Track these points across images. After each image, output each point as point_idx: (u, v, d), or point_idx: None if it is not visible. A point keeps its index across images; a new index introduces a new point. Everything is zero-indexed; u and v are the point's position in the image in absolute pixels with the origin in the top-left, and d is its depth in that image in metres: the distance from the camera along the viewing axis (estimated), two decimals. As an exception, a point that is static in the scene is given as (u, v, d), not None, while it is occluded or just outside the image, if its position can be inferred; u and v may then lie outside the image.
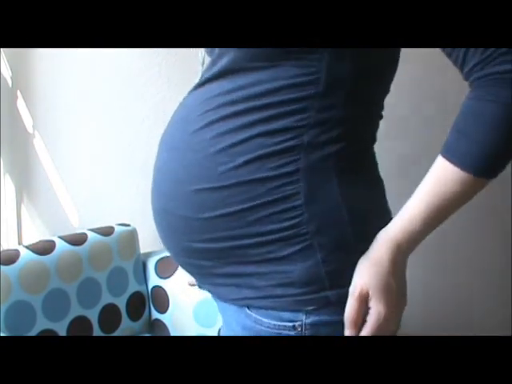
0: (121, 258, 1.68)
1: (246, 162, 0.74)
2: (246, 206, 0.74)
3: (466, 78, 0.71)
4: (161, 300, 1.72)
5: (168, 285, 1.70)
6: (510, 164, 0.70)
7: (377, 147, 0.85)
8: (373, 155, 0.84)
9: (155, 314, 1.74)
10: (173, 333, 1.69)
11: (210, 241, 0.78)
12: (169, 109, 0.89)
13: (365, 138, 0.81)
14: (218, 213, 0.76)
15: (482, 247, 2.05)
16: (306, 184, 0.74)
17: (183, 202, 0.79)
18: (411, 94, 1.82)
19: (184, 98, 0.86)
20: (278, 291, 0.76)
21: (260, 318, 0.78)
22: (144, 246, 1.77)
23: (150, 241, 1.60)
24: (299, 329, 0.76)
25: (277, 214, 0.74)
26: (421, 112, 1.88)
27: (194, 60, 1.00)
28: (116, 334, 1.66)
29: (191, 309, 1.62)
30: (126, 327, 1.69)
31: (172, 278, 1.69)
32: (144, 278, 1.76)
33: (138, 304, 1.73)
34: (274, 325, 0.77)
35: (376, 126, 0.84)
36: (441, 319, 2.04)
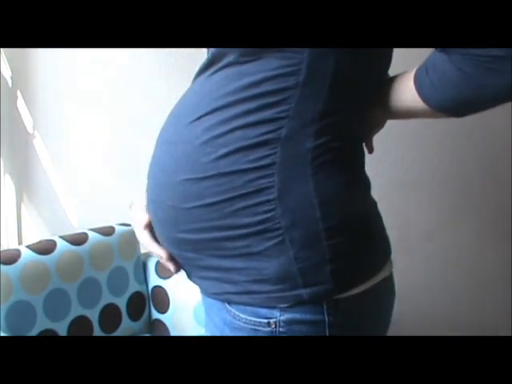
0: (121, 258, 1.69)
1: (227, 154, 0.74)
2: (223, 197, 0.75)
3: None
4: (161, 300, 1.72)
5: (168, 285, 1.71)
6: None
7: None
8: (357, 153, 0.83)
9: (155, 314, 1.74)
10: (173, 333, 1.69)
11: (192, 231, 0.79)
12: (169, 109, 0.89)
13: (348, 135, 0.79)
14: (199, 203, 0.77)
15: (484, 248, 2.05)
16: (281, 178, 0.74)
17: (171, 192, 0.80)
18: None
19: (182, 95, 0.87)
20: (255, 287, 0.76)
21: (238, 313, 0.78)
22: (145, 246, 1.77)
23: (151, 241, 1.60)
24: (273, 326, 0.76)
25: (251, 207, 0.74)
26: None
27: (194, 60, 1.00)
28: (116, 333, 1.66)
29: (191, 309, 1.62)
30: (127, 327, 1.69)
31: (172, 278, 1.69)
32: (144, 278, 1.76)
33: (139, 304, 1.73)
34: (250, 320, 0.77)
35: (365, 125, 0.83)
36: (441, 319, 2.04)
